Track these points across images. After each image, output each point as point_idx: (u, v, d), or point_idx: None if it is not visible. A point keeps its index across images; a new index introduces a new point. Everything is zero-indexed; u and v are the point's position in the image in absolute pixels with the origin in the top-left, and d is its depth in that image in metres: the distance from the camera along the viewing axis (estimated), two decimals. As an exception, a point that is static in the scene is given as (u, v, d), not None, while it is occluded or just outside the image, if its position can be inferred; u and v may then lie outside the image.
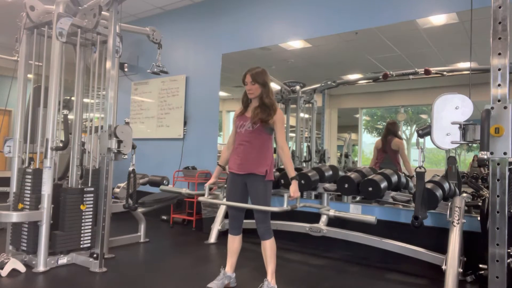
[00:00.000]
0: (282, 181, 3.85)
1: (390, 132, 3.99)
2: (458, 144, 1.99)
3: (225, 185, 2.87)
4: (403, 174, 3.64)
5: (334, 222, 3.74)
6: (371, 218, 2.27)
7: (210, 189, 2.84)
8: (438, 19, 3.60)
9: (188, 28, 5.61)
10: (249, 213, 2.88)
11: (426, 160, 2.33)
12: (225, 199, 2.86)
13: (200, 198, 2.79)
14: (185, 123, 5.47)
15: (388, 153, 3.99)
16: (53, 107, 3.17)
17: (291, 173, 2.58)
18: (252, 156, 2.61)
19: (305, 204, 2.66)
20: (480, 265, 2.81)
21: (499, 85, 1.89)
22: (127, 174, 3.46)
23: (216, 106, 5.16)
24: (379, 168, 3.91)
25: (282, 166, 4.50)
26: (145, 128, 5.96)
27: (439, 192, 2.95)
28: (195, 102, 5.43)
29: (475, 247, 2.99)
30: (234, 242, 2.76)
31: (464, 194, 3.22)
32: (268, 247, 2.59)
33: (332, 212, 2.45)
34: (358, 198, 3.98)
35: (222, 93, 5.14)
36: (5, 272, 2.86)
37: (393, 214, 3.69)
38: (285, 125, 4.80)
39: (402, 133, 4.05)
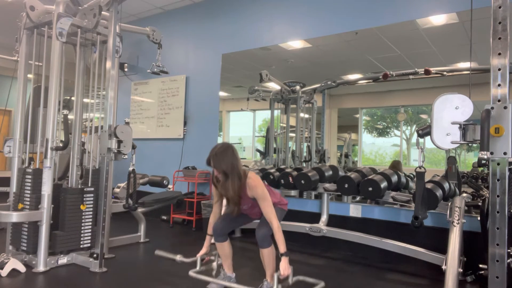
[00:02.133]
0: (282, 181, 3.84)
1: (394, 168, 3.99)
2: (458, 144, 1.99)
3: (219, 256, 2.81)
4: (403, 174, 3.64)
5: (334, 222, 3.74)
6: None
7: (202, 260, 2.71)
8: (438, 19, 3.60)
9: (188, 28, 5.61)
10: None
11: (426, 160, 2.34)
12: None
13: (191, 273, 2.62)
14: (185, 123, 5.47)
15: None
16: (53, 107, 3.17)
17: (281, 248, 2.41)
18: (259, 211, 2.61)
19: (298, 278, 2.54)
20: (480, 265, 2.81)
21: (499, 85, 1.89)
22: (127, 174, 3.46)
23: (216, 106, 5.16)
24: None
25: (282, 166, 4.51)
26: (145, 128, 5.96)
27: (439, 192, 2.95)
28: (195, 102, 5.43)
29: (475, 247, 2.99)
30: (224, 248, 2.71)
31: (464, 194, 3.22)
32: (266, 255, 2.52)
33: None
34: (358, 198, 3.98)
35: (222, 93, 5.14)
36: (5, 272, 2.86)
37: (393, 214, 3.69)
38: (283, 124, 4.80)
39: (402, 133, 4.05)
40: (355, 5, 4.08)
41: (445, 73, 3.62)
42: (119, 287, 2.77)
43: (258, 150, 5.16)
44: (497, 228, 1.85)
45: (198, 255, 2.71)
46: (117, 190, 4.05)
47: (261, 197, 2.47)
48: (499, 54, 1.90)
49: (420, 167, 2.31)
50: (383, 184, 3.23)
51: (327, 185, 3.66)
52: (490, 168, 1.88)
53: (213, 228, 2.69)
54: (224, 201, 2.70)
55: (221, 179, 2.51)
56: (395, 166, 4.01)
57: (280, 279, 2.36)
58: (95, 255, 3.07)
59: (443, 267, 2.71)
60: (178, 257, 2.85)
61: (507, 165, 1.84)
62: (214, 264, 2.74)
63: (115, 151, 3.16)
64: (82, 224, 3.25)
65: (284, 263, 2.39)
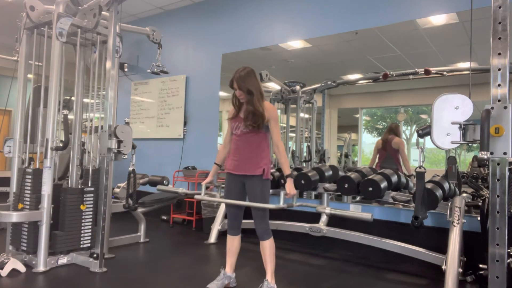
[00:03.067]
0: (282, 181, 3.84)
1: (392, 132, 4.01)
2: (458, 144, 1.99)
3: (223, 185, 2.86)
4: (403, 174, 3.64)
5: (334, 222, 3.74)
6: (367, 216, 2.26)
7: (207, 187, 2.82)
8: (438, 19, 3.60)
9: (188, 28, 5.61)
10: (248, 213, 2.88)
11: (426, 160, 2.34)
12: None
13: (197, 197, 2.77)
14: (185, 123, 5.47)
15: (388, 151, 4.00)
16: (53, 107, 3.17)
17: (286, 170, 2.58)
18: (248, 157, 2.62)
19: (302, 203, 2.65)
20: (480, 265, 2.81)
21: (499, 85, 1.89)
22: (127, 174, 3.46)
23: (216, 106, 5.16)
24: (380, 167, 3.91)
25: (282, 166, 4.51)
26: (145, 128, 5.96)
27: (439, 192, 2.95)
28: (195, 102, 5.43)
29: (475, 247, 2.99)
30: (234, 242, 2.74)
31: (464, 194, 3.22)
32: (267, 247, 2.58)
33: (328, 210, 2.44)
34: (358, 198, 3.98)
35: (222, 93, 5.15)
36: (5, 272, 2.86)
37: (393, 214, 3.69)
38: (283, 124, 4.80)
39: (402, 133, 4.05)
40: (355, 5, 4.08)
41: (445, 73, 3.62)
42: (119, 287, 2.77)
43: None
44: (497, 228, 1.85)
45: (203, 183, 2.81)
46: (117, 190, 4.05)
47: (274, 119, 2.62)
48: (499, 54, 1.90)
49: (420, 167, 2.31)
50: (383, 184, 3.23)
51: (327, 185, 3.66)
52: (490, 168, 1.88)
53: (228, 224, 2.76)
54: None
55: (245, 98, 2.60)
56: (393, 129, 4.00)
57: (286, 198, 2.50)
58: (95, 255, 3.07)
59: (443, 267, 2.72)
60: (181, 190, 2.93)
61: (507, 165, 1.84)
62: (217, 195, 2.82)
63: (115, 151, 3.16)
64: (82, 224, 3.25)
65: (290, 184, 2.55)
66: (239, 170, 2.65)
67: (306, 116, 4.67)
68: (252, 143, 2.62)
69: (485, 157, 1.80)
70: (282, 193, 2.50)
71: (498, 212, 1.85)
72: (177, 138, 5.53)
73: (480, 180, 3.40)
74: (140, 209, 4.19)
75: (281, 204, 2.46)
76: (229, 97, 5.17)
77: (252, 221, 2.65)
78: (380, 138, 4.11)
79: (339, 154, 4.50)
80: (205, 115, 5.28)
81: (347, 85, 4.34)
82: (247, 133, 2.62)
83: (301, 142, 4.71)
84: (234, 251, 2.75)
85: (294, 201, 2.56)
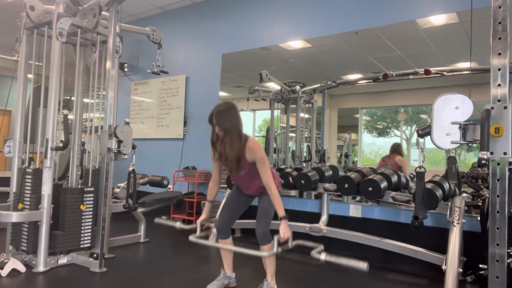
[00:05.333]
0: (282, 181, 3.84)
1: (395, 151, 4.00)
2: (458, 144, 1.99)
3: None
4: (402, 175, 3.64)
5: (334, 222, 3.74)
6: (362, 265, 2.20)
7: (202, 225, 2.69)
8: (438, 19, 3.60)
9: (188, 28, 5.61)
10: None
11: (426, 160, 2.34)
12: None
13: (191, 238, 2.59)
14: (185, 123, 5.47)
15: (390, 164, 3.99)
16: (53, 107, 3.17)
17: (280, 212, 2.43)
18: (256, 185, 2.59)
19: (298, 242, 2.50)
20: (480, 265, 2.81)
21: (499, 85, 1.89)
22: (127, 174, 3.46)
23: (216, 106, 5.15)
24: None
25: (282, 166, 4.51)
26: (145, 128, 5.96)
27: (439, 192, 2.95)
28: (195, 102, 5.42)
29: (475, 247, 2.99)
30: (226, 245, 2.70)
31: (464, 194, 3.22)
32: (266, 251, 2.52)
33: (323, 257, 2.38)
34: (358, 198, 3.98)
35: (222, 93, 5.14)
36: (5, 272, 2.87)
37: (393, 214, 3.69)
38: (283, 124, 4.80)
39: (402, 133, 4.05)
40: (355, 5, 4.08)
41: (445, 73, 3.62)
42: (119, 287, 2.77)
43: (258, 150, 5.15)
44: (497, 228, 1.85)
45: (198, 221, 2.68)
46: (117, 190, 4.05)
47: (260, 160, 2.45)
48: (499, 54, 1.90)
49: (420, 167, 2.31)
50: (383, 184, 3.23)
51: (327, 185, 3.66)
52: (490, 168, 1.88)
53: (216, 227, 2.70)
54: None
55: (221, 136, 2.46)
56: (396, 149, 4.00)
57: (280, 242, 2.35)
58: (95, 255, 3.07)
59: (443, 267, 2.71)
60: (178, 224, 2.79)
61: (507, 165, 1.84)
62: (214, 230, 2.74)
63: (115, 151, 3.16)
64: (82, 224, 3.25)
65: (284, 226, 2.39)
66: (249, 192, 2.67)
67: (306, 116, 4.67)
68: (253, 176, 2.54)
69: (485, 157, 1.80)
70: (275, 238, 2.35)
71: (498, 212, 1.85)
72: (177, 138, 5.53)
73: (480, 180, 3.40)
74: (140, 209, 4.19)
75: (275, 250, 2.33)
76: (229, 97, 5.22)
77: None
78: (382, 157, 4.09)
79: (339, 154, 4.50)
80: (205, 115, 5.16)
81: (347, 85, 4.34)
82: (244, 174, 2.57)
83: (301, 142, 4.71)
84: (228, 253, 2.73)
85: (290, 243, 2.41)
